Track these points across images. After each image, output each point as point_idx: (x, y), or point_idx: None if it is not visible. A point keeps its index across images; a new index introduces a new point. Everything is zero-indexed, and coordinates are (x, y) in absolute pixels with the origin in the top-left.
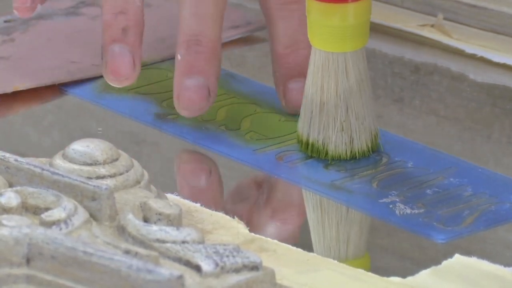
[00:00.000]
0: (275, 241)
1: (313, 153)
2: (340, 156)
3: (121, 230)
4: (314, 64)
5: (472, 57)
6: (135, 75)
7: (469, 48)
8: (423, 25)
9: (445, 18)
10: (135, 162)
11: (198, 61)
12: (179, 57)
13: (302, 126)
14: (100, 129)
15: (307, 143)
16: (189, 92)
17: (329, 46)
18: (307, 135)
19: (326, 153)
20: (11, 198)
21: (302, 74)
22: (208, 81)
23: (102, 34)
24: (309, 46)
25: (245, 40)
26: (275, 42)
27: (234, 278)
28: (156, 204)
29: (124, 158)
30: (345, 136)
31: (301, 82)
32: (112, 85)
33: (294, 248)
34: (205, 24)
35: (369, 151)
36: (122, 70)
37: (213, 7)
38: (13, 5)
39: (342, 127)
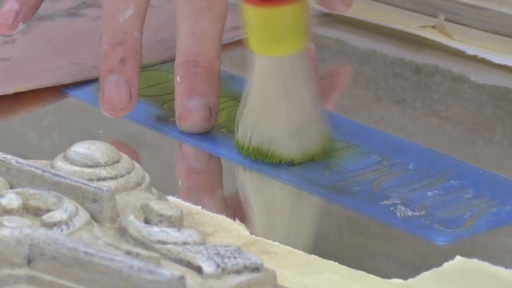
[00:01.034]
0: (276, 243)
1: (261, 158)
2: (291, 159)
3: (122, 232)
4: (258, 70)
5: (473, 58)
6: (131, 106)
7: (470, 50)
8: (424, 26)
9: (446, 19)
10: (136, 164)
11: (197, 83)
12: (178, 79)
13: (244, 134)
14: (101, 131)
15: (253, 149)
16: (191, 113)
17: (271, 51)
18: (250, 140)
19: (276, 157)
20: (12, 199)
21: None
22: (209, 101)
23: (100, 64)
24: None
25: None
26: None
27: (235, 279)
28: (157, 206)
29: (125, 160)
30: (298, 139)
31: None
32: (108, 115)
33: (295, 250)
34: (203, 44)
35: (321, 153)
36: (118, 101)
37: (211, 27)
38: None
39: (291, 130)
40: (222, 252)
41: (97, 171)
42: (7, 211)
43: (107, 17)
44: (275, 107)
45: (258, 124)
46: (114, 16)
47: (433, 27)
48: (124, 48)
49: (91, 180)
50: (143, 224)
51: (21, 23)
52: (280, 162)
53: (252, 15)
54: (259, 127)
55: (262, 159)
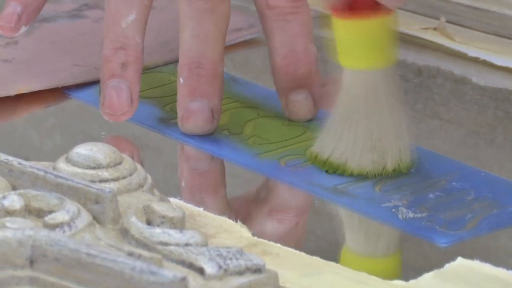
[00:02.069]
0: (278, 244)
1: (334, 170)
2: (365, 175)
3: (124, 233)
4: (344, 83)
5: (475, 60)
6: (131, 111)
7: (471, 51)
8: (426, 28)
9: (447, 21)
10: (138, 166)
11: (200, 84)
12: (181, 80)
13: (324, 145)
14: (103, 133)
15: (328, 162)
16: (193, 115)
17: (357, 64)
18: (330, 153)
19: (349, 172)
20: (14, 201)
21: (302, 85)
22: (212, 103)
23: (101, 69)
24: (307, 57)
25: (248, 43)
26: (273, 54)
27: (237, 281)
28: (159, 207)
29: (127, 162)
30: (372, 155)
31: (303, 93)
32: (108, 119)
33: (297, 251)
34: (206, 46)
35: (395, 171)
36: (118, 105)
37: (214, 28)
38: None
39: (370, 147)
40: (224, 254)
41: (99, 173)
42: (9, 213)
43: (109, 22)
44: (354, 121)
45: (336, 137)
46: (116, 21)
47: (435, 29)
48: (125, 53)
49: (93, 181)
50: (145, 226)
51: (23, 26)
52: (352, 175)
53: (340, 27)
54: (336, 140)
55: (334, 172)
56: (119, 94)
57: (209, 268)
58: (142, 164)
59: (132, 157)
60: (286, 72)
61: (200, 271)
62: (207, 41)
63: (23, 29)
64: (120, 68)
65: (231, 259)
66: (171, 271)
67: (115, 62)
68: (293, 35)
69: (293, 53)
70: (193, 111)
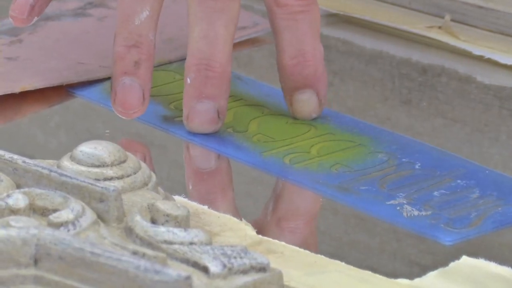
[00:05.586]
0: (283, 243)
1: None
2: None
3: (129, 232)
4: None
5: (480, 58)
6: (143, 109)
7: (476, 50)
8: (431, 27)
9: (452, 20)
10: (143, 164)
11: (207, 86)
12: (188, 80)
13: None
14: (108, 131)
15: None
16: (199, 116)
17: None
18: None
19: None
20: (19, 199)
21: (308, 85)
22: (218, 104)
23: (113, 65)
24: (315, 57)
25: (252, 41)
26: (280, 52)
27: (242, 279)
28: (163, 206)
29: (132, 160)
30: None
31: (308, 93)
32: (120, 116)
33: (302, 250)
34: (215, 47)
35: None
36: (131, 103)
37: (224, 30)
38: (10, 12)
39: None
40: (229, 252)
41: (104, 171)
42: (13, 211)
43: (122, 18)
44: None
45: None
46: (129, 18)
47: (440, 27)
48: (139, 51)
49: (98, 180)
50: (149, 224)
51: (35, 17)
52: None
53: None
54: None
55: None
56: (132, 93)
57: (214, 267)
58: (146, 162)
59: (137, 156)
60: (292, 72)
61: (205, 270)
62: (217, 43)
63: (35, 20)
64: (133, 66)
65: (235, 257)
66: (175, 270)
67: (128, 60)
68: (301, 35)
69: (301, 53)
70: (199, 112)
